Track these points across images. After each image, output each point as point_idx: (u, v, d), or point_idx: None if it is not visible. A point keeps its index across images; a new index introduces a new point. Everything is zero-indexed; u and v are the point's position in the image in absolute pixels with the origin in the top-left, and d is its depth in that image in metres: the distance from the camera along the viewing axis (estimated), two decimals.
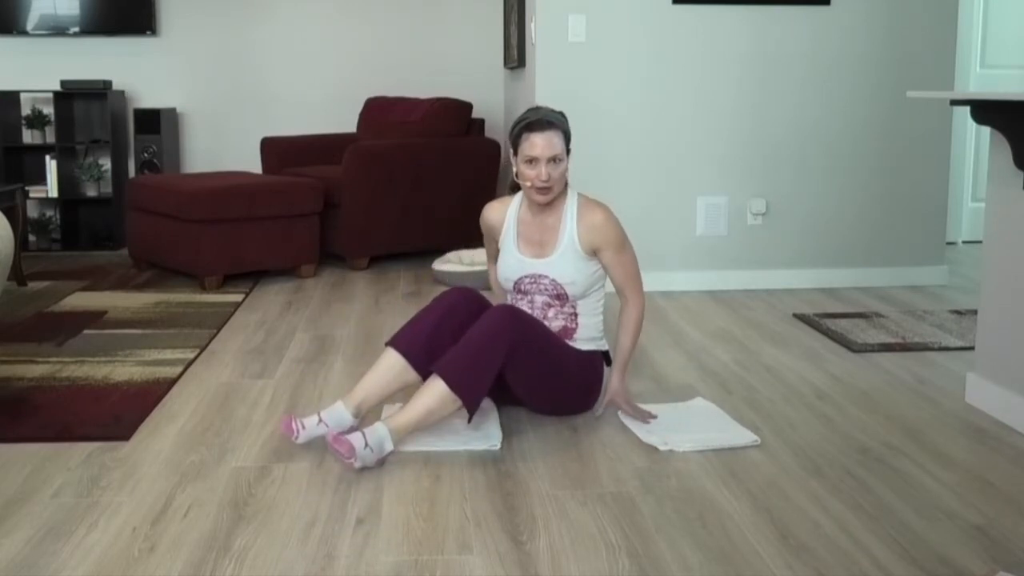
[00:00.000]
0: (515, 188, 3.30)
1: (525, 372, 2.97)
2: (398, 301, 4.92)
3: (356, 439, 2.72)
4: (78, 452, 2.91)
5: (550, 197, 3.11)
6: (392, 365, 3.01)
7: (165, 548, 2.31)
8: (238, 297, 4.97)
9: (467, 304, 3.07)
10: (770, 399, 3.42)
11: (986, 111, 3.16)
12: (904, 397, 3.45)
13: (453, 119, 6.05)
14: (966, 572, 2.21)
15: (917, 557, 2.27)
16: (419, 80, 6.82)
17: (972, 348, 3.93)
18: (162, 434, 3.06)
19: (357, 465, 2.72)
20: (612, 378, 3.22)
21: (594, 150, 5.06)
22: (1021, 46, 6.58)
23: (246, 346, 4.08)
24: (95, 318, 4.51)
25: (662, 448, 2.92)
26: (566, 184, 3.18)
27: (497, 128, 6.88)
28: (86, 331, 4.27)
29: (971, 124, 6.62)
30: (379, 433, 2.77)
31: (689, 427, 3.09)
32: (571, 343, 3.18)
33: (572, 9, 4.99)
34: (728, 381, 3.62)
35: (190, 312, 4.63)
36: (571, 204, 3.16)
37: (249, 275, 5.50)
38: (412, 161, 5.78)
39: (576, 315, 3.18)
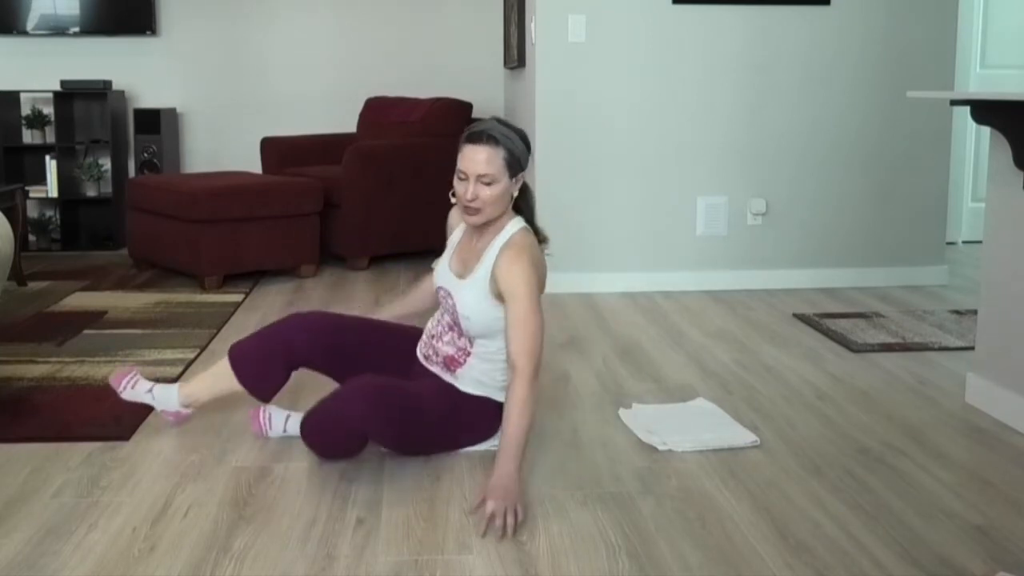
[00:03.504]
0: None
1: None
2: None
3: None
4: (78, 452, 2.91)
5: (478, 220, 2.72)
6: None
7: (165, 548, 2.31)
8: (238, 297, 4.97)
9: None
10: (770, 399, 3.42)
11: (986, 111, 3.16)
12: (904, 397, 3.45)
13: (453, 119, 6.05)
14: (966, 572, 2.21)
15: (917, 557, 2.27)
16: (419, 80, 6.82)
17: (972, 348, 3.93)
18: (162, 434, 3.06)
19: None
20: (496, 468, 2.53)
21: (594, 150, 5.06)
22: (1021, 46, 6.58)
23: None
24: (95, 318, 4.50)
25: (662, 448, 2.93)
26: (511, 212, 2.80)
27: None
28: (86, 331, 4.27)
29: (971, 124, 6.62)
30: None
31: (689, 427, 3.09)
32: (452, 378, 2.85)
33: (572, 9, 4.99)
34: (728, 381, 3.62)
35: (190, 312, 4.63)
36: (504, 235, 2.76)
37: (249, 275, 5.50)
38: (412, 161, 5.78)
39: (469, 352, 2.82)
